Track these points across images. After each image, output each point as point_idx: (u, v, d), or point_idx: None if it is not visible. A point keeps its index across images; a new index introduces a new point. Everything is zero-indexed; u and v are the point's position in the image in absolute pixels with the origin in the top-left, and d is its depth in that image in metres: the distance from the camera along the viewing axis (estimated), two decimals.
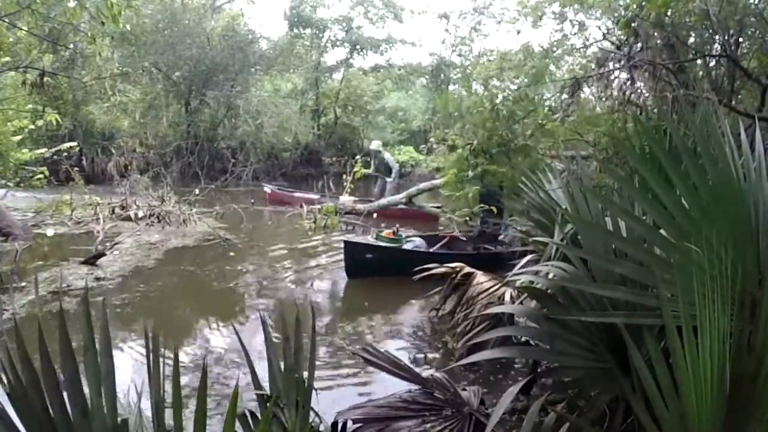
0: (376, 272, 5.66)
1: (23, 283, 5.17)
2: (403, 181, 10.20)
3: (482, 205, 6.73)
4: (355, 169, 10.50)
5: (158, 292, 5.33)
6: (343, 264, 5.96)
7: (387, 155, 10.78)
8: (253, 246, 7.70)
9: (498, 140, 6.42)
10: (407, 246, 6.26)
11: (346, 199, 10.49)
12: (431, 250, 6.38)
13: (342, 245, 5.94)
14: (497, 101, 6.42)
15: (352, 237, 6.41)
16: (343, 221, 9.17)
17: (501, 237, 7.07)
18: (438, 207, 9.43)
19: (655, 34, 5.64)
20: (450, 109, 7.72)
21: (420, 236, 6.91)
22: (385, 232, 6.28)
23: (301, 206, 9.33)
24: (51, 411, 1.37)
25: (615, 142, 4.84)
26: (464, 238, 6.92)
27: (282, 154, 17.61)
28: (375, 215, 9.50)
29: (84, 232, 7.49)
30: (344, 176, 10.66)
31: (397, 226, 6.63)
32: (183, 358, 3.77)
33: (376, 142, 11.09)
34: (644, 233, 2.07)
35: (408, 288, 5.02)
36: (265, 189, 11.92)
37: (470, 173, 6.67)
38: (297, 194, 11.51)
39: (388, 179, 10.69)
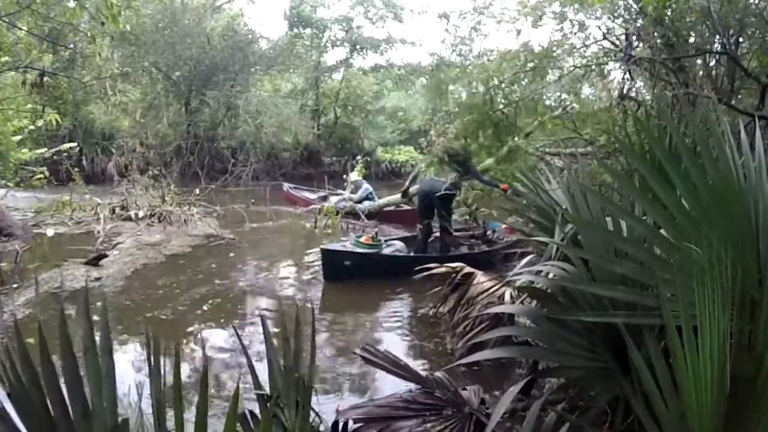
0: (354, 276, 5.63)
1: (16, 285, 5.17)
2: (370, 205, 10.22)
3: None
4: (357, 169, 10.61)
5: (158, 292, 5.32)
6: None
7: (365, 185, 10.57)
8: (253, 246, 7.70)
9: (489, 123, 6.30)
10: (387, 250, 6.24)
11: (336, 199, 10.79)
12: (412, 254, 6.41)
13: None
14: (495, 94, 6.36)
15: (329, 244, 6.28)
16: (344, 221, 9.18)
17: (489, 235, 7.11)
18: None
19: (655, 33, 5.63)
20: (450, 105, 7.70)
21: (400, 239, 6.89)
22: (364, 238, 6.23)
23: (301, 206, 9.37)
24: (51, 411, 1.37)
25: (614, 139, 4.82)
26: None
27: (282, 154, 17.60)
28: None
29: (84, 233, 7.49)
30: (344, 176, 10.71)
31: (376, 230, 6.64)
32: (183, 357, 3.76)
33: (353, 174, 11.11)
34: (644, 233, 2.07)
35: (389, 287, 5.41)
36: (284, 187, 12.80)
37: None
38: (305, 193, 12.21)
39: (358, 205, 10.38)
